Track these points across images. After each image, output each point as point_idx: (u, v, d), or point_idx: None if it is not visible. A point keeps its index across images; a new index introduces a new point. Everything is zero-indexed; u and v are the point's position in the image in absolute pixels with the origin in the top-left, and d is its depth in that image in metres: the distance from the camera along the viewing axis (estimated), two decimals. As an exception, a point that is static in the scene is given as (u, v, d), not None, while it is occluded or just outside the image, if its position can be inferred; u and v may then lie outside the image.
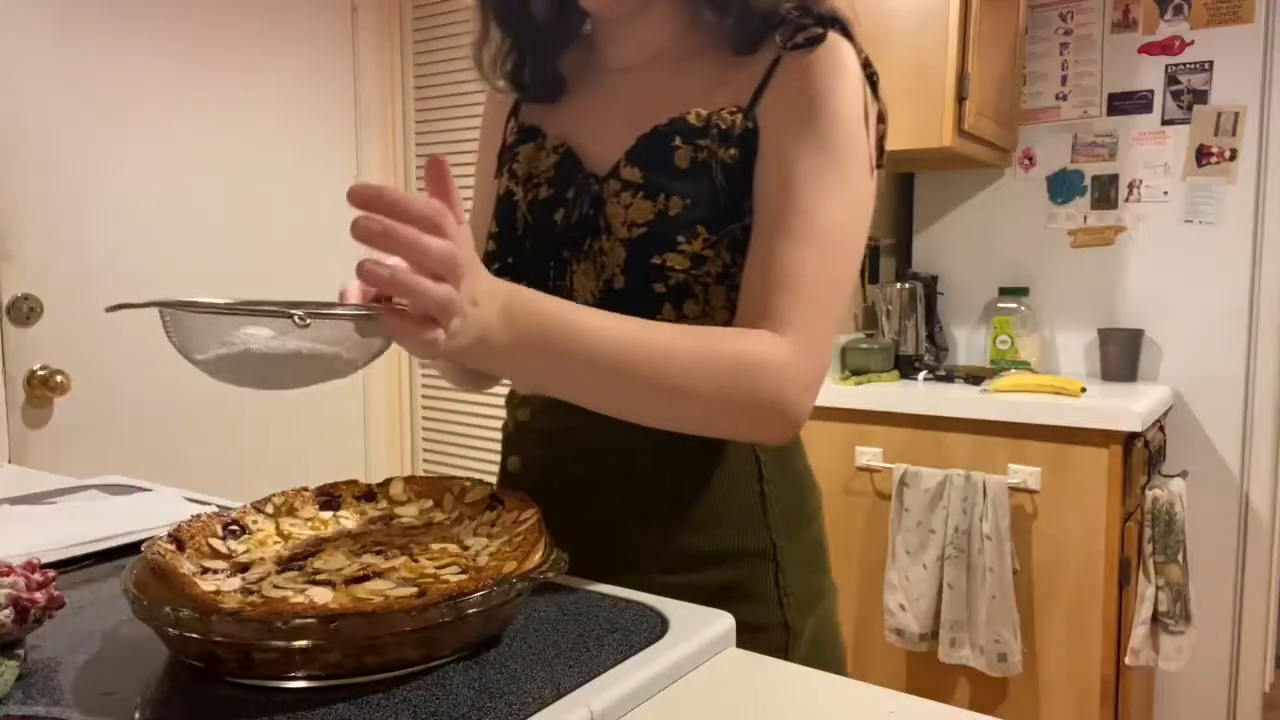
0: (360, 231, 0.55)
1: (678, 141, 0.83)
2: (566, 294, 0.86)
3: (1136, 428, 1.93)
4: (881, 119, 0.86)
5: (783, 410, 0.75)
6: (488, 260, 0.92)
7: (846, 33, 0.83)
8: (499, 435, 0.98)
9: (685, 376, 0.72)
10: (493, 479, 0.90)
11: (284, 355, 0.61)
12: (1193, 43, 2.35)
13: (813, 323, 0.77)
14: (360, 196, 0.56)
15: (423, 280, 0.57)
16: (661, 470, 0.85)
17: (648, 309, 0.81)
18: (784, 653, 0.85)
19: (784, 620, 0.87)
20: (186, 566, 0.67)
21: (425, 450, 2.84)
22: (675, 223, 0.81)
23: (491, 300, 0.64)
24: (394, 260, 0.57)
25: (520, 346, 0.67)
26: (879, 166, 0.85)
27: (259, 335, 0.61)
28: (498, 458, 0.97)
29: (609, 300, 0.83)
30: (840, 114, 0.80)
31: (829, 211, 0.79)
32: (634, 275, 0.82)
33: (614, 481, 0.87)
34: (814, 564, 0.92)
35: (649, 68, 0.90)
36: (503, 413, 0.96)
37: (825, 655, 0.90)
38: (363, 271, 0.56)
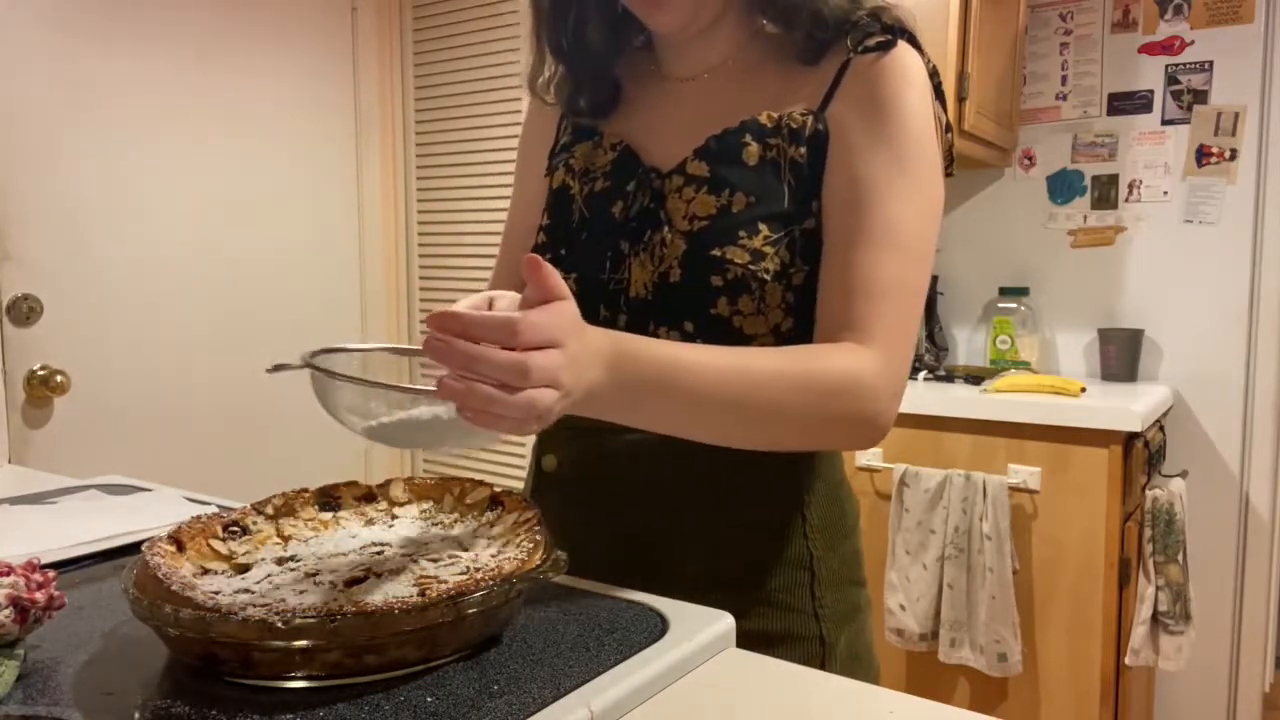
0: (428, 349, 0.57)
1: (748, 139, 0.84)
2: (622, 285, 0.86)
3: (1136, 428, 1.93)
4: (949, 128, 0.87)
5: (874, 421, 0.76)
6: (538, 252, 0.93)
7: (914, 42, 0.85)
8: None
9: (789, 401, 0.73)
10: (492, 480, 0.90)
11: (431, 421, 0.66)
12: (1193, 43, 2.34)
13: (894, 329, 0.78)
14: (435, 320, 0.57)
15: (496, 395, 0.57)
16: (698, 476, 0.85)
17: (702, 302, 0.82)
18: (820, 666, 0.84)
19: (819, 633, 0.86)
20: (186, 567, 0.67)
21: (425, 451, 2.84)
22: (737, 218, 0.82)
23: (595, 359, 0.65)
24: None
25: (629, 395, 0.68)
26: (948, 174, 0.86)
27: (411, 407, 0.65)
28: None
29: (664, 292, 0.84)
30: (910, 120, 0.81)
31: (904, 217, 0.79)
32: (691, 268, 0.82)
33: (649, 485, 0.86)
34: (851, 577, 0.92)
35: (711, 77, 0.91)
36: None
37: (861, 671, 0.89)
38: (441, 388, 0.57)
